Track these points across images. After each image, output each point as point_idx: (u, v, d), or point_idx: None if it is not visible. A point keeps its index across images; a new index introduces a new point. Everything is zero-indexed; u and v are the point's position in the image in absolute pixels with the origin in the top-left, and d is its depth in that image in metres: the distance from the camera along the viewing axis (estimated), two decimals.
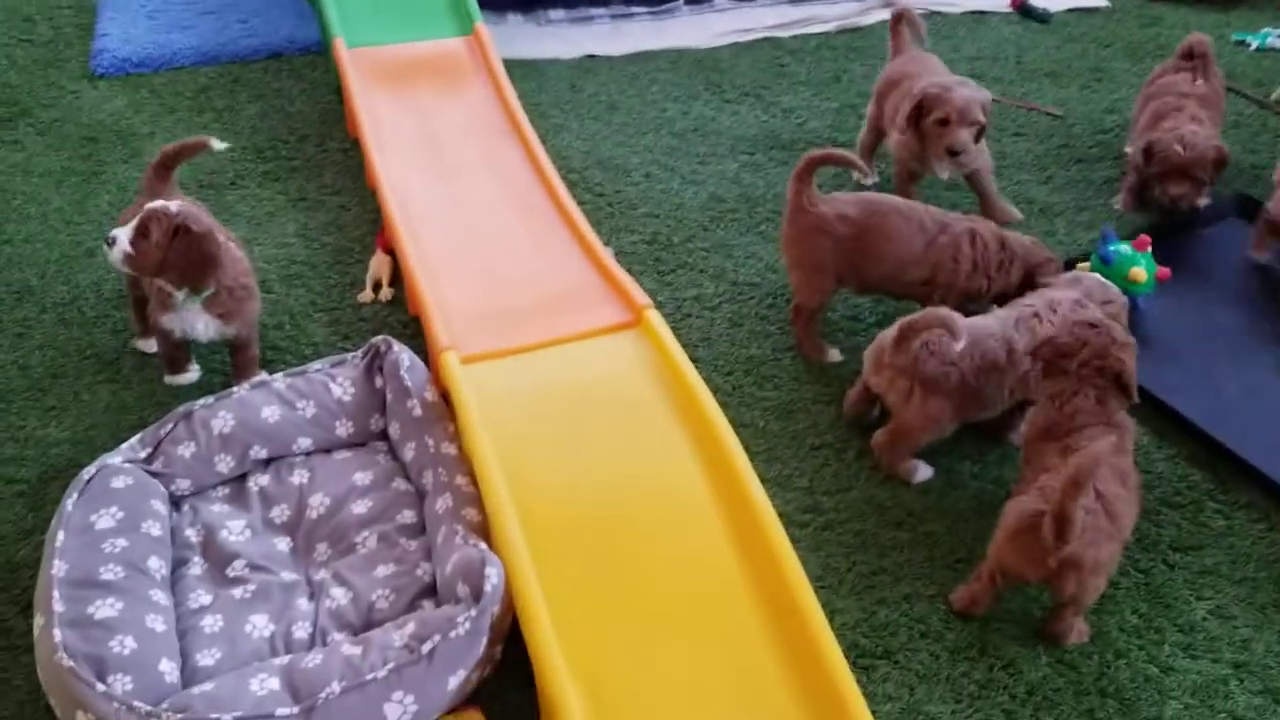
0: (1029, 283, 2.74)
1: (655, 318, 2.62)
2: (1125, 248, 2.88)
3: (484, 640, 1.82)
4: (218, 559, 2.10)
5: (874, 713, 1.93)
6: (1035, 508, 2.03)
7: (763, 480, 2.46)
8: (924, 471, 2.51)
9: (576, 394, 2.43)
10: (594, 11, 4.55)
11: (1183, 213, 3.26)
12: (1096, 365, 2.20)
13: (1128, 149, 3.53)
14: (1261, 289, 3.12)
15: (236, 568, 2.08)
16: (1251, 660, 2.13)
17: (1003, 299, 2.73)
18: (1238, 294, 3.11)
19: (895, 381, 2.46)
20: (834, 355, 2.86)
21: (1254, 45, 4.33)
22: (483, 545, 1.97)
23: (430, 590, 2.02)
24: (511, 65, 3.78)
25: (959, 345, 2.35)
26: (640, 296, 2.68)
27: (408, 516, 2.19)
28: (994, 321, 2.51)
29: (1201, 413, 2.61)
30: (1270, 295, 3.09)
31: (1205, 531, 2.39)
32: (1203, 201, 3.25)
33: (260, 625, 1.97)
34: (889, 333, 2.48)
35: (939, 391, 2.41)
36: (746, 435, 2.59)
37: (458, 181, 3.20)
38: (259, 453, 2.28)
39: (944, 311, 2.40)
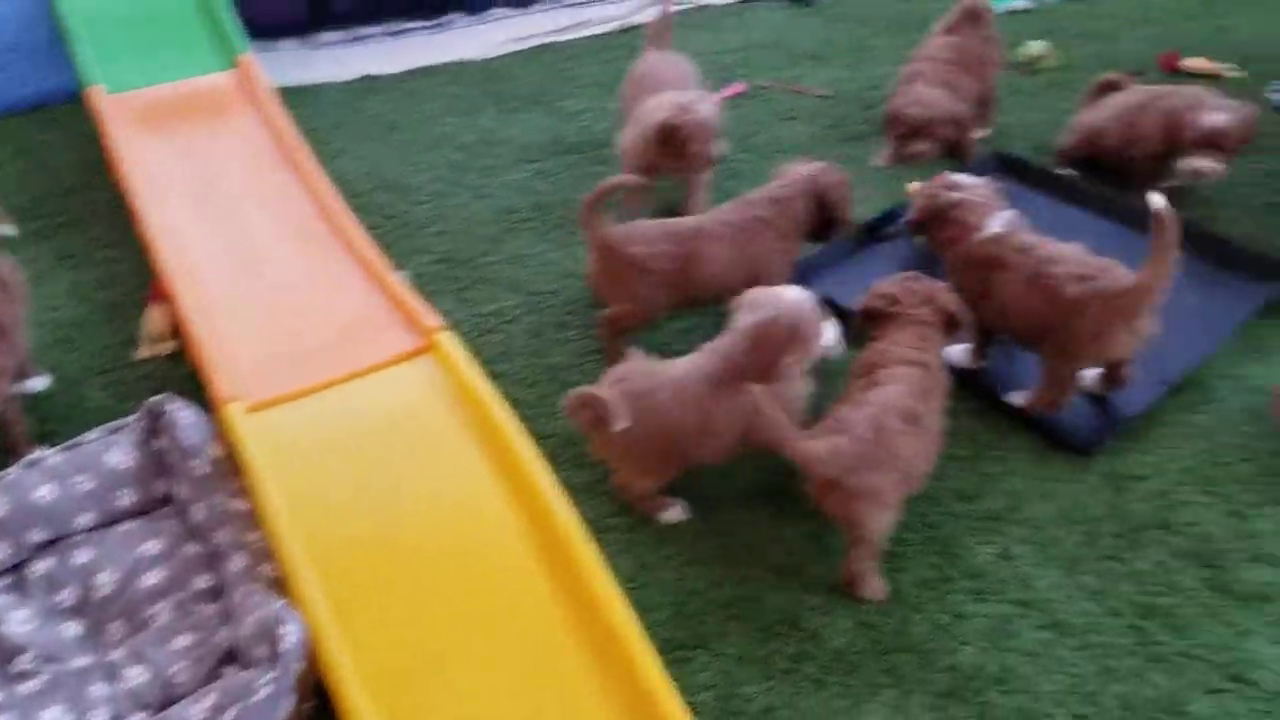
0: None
1: (448, 341, 2.61)
2: None
3: (288, 701, 1.79)
4: (2, 655, 2.00)
5: (692, 702, 2.01)
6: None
7: (570, 489, 2.50)
8: (675, 513, 2.47)
9: (371, 430, 2.40)
10: (368, 30, 4.49)
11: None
12: (929, 305, 2.41)
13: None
14: None
15: (23, 661, 1.99)
16: (1035, 598, 2.28)
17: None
18: None
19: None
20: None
21: (1001, 8, 4.58)
22: (281, 602, 1.94)
23: (232, 655, 1.97)
24: (286, 93, 3.70)
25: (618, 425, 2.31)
26: (431, 320, 2.66)
27: (203, 581, 2.13)
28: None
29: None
30: None
31: (985, 479, 2.54)
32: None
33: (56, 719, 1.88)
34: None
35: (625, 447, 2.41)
36: (552, 446, 2.62)
37: (234, 220, 3.11)
38: (37, 536, 2.18)
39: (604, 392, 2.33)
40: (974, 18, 3.69)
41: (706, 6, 4.65)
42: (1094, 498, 2.48)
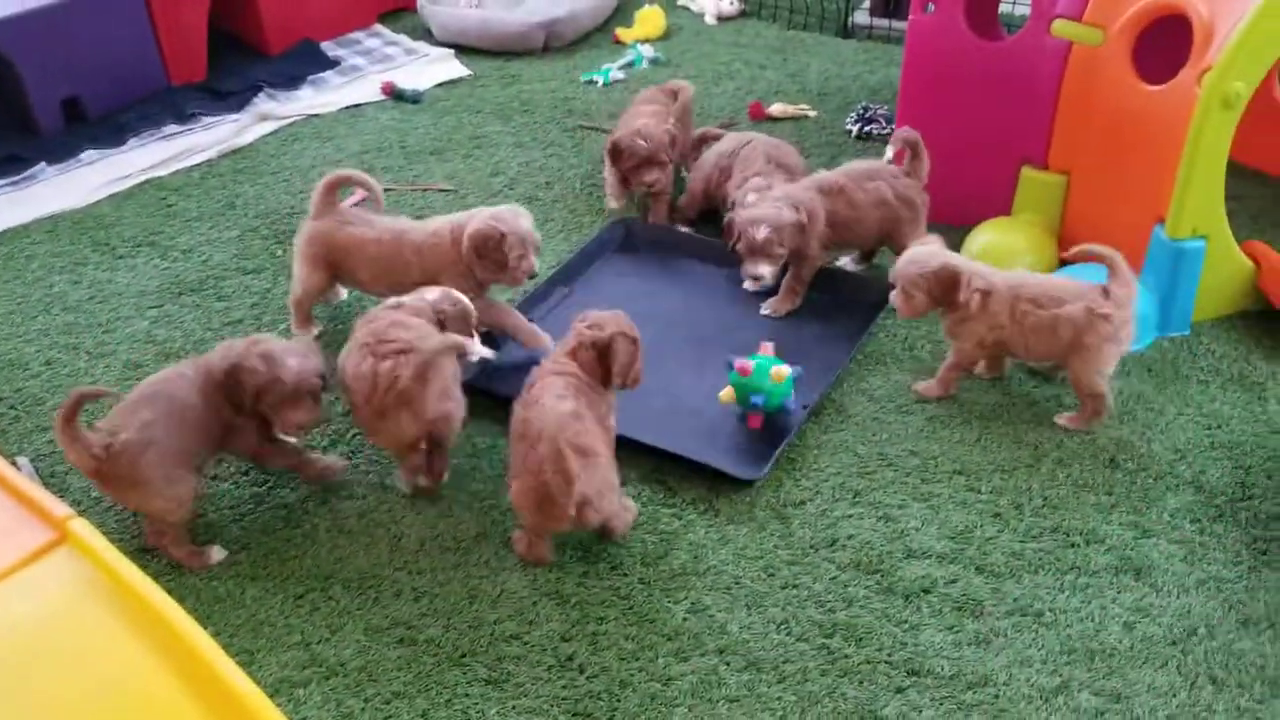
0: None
1: (82, 527, 2.36)
2: (757, 357, 2.89)
3: None
4: None
5: None
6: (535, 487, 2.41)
7: (250, 653, 2.36)
8: (217, 554, 2.61)
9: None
10: None
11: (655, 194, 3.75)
12: (594, 342, 2.59)
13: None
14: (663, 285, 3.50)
15: None
16: (731, 642, 2.37)
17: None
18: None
19: None
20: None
21: (600, 82, 4.83)
22: None
23: None
24: None
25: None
26: (59, 508, 2.40)
27: None
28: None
29: (637, 427, 2.84)
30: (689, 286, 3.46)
31: (665, 538, 2.63)
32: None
33: None
34: None
35: None
36: (224, 610, 2.46)
37: None
38: None
39: None
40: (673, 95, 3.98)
41: (315, 117, 4.57)
42: (765, 532, 2.63)
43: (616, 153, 3.68)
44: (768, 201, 3.25)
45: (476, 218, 3.09)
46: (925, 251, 2.92)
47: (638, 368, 2.62)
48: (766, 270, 3.24)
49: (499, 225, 3.03)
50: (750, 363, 2.83)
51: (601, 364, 2.59)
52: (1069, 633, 2.36)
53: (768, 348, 2.92)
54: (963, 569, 2.51)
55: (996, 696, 2.23)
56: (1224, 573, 2.48)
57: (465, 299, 2.82)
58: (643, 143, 3.63)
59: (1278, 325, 3.00)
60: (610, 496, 2.47)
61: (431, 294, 2.79)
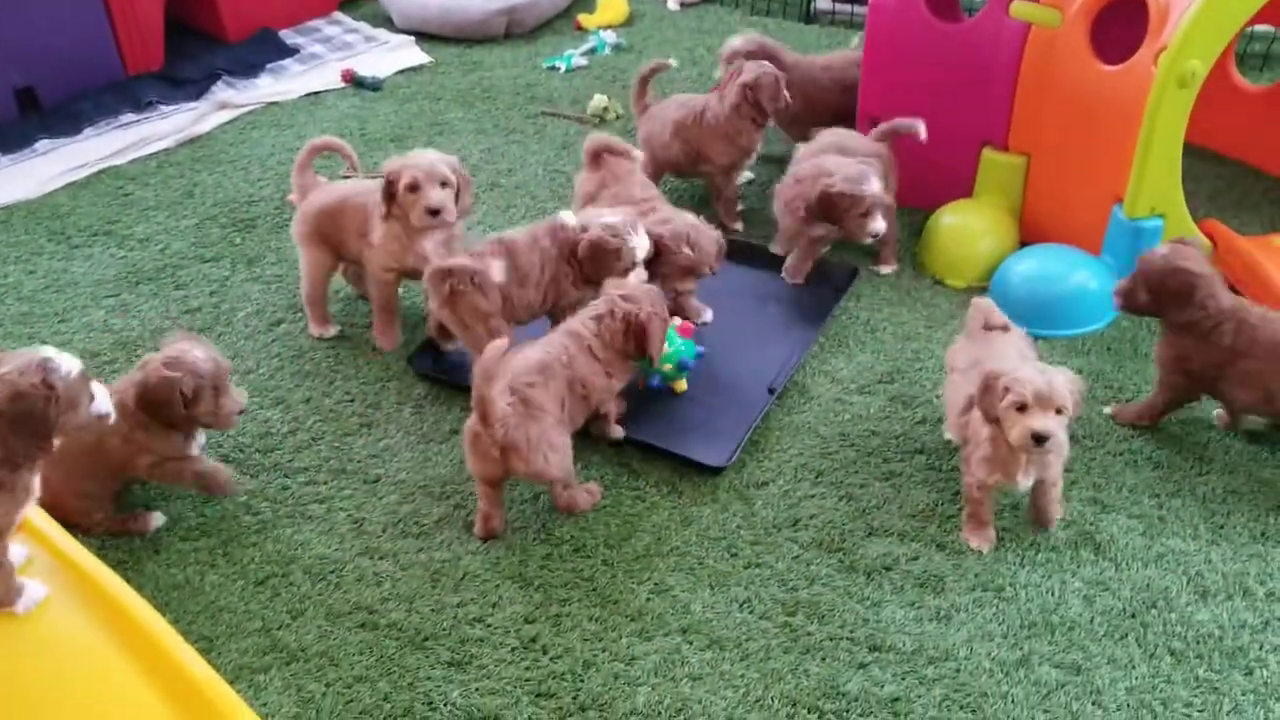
0: None
1: (38, 516, 2.33)
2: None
3: None
4: None
5: None
6: (472, 424, 2.45)
7: (209, 640, 2.34)
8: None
9: None
10: None
11: None
12: (626, 317, 2.65)
13: None
14: None
15: None
16: (694, 622, 2.37)
17: None
18: None
19: None
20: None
21: (562, 68, 4.81)
22: None
23: None
24: None
25: None
26: None
27: None
28: None
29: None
30: None
31: (628, 521, 2.62)
32: None
33: None
34: None
35: None
36: (183, 597, 2.44)
37: None
38: None
39: None
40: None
41: (274, 105, 4.53)
42: (728, 513, 2.63)
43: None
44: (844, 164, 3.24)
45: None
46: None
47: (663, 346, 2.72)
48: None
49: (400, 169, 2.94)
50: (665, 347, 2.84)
51: (627, 338, 2.64)
52: (1029, 607, 2.37)
53: (686, 327, 2.96)
54: (924, 546, 2.52)
55: (958, 670, 2.24)
56: (1182, 546, 2.50)
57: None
58: (688, 250, 3.09)
59: None
60: (551, 457, 2.49)
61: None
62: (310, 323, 3.26)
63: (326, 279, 3.25)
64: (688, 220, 3.12)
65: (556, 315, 3.01)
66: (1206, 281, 2.63)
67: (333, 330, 3.27)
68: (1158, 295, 2.66)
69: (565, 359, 2.58)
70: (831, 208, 3.16)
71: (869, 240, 3.24)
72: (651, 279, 3.01)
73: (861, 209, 3.15)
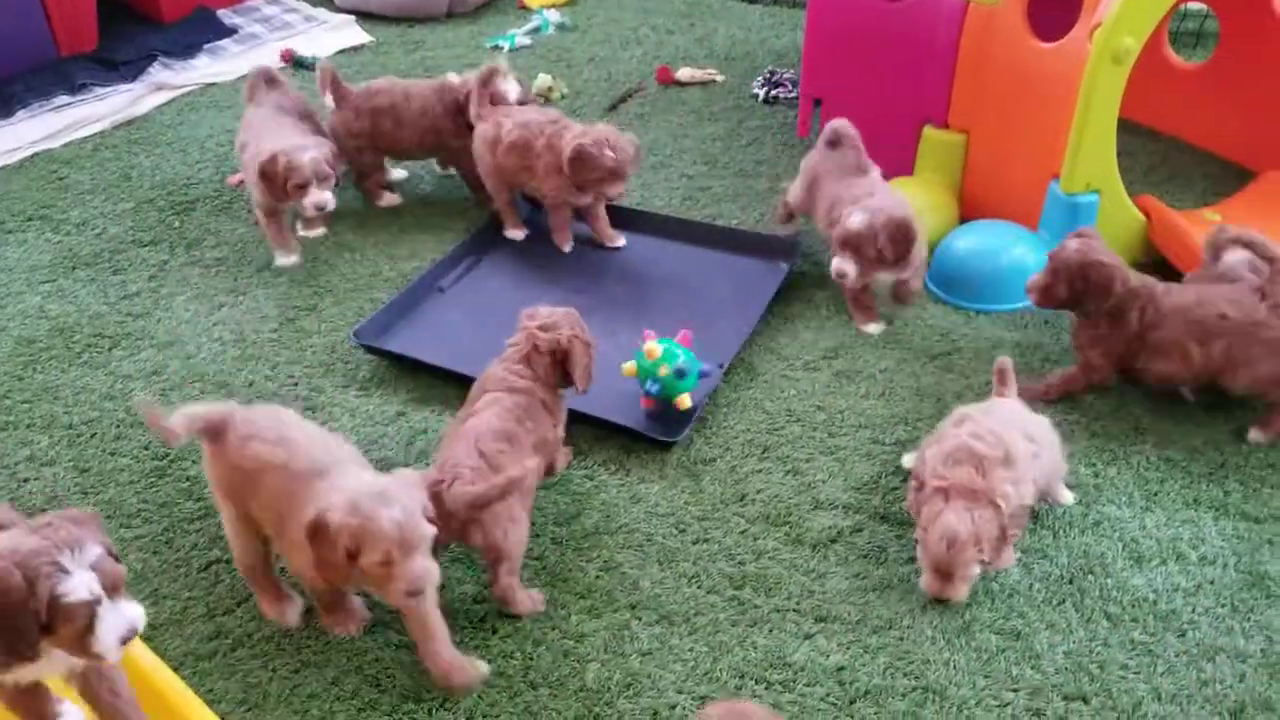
0: None
1: None
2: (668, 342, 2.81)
3: None
4: None
5: None
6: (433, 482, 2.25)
7: (152, 627, 2.32)
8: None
9: None
10: None
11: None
12: (551, 349, 2.51)
13: None
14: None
15: None
16: (643, 598, 2.38)
17: None
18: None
19: None
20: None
21: (506, 47, 4.78)
22: None
23: None
24: None
25: None
26: None
27: None
28: None
29: None
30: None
31: (578, 498, 2.63)
32: None
33: None
34: None
35: None
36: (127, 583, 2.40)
37: None
38: None
39: None
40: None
41: (212, 86, 4.46)
42: (676, 489, 2.64)
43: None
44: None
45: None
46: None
47: (591, 370, 2.56)
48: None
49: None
50: (659, 347, 2.77)
51: (553, 369, 2.52)
52: None
53: (686, 336, 2.83)
54: (868, 518, 2.55)
55: (901, 639, 2.28)
56: (1117, 513, 2.56)
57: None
58: (610, 153, 3.25)
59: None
60: (511, 532, 2.30)
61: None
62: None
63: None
64: (604, 127, 3.31)
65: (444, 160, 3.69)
66: (1120, 270, 2.73)
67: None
68: (1077, 289, 2.74)
69: (529, 424, 2.44)
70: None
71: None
72: (580, 189, 3.31)
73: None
